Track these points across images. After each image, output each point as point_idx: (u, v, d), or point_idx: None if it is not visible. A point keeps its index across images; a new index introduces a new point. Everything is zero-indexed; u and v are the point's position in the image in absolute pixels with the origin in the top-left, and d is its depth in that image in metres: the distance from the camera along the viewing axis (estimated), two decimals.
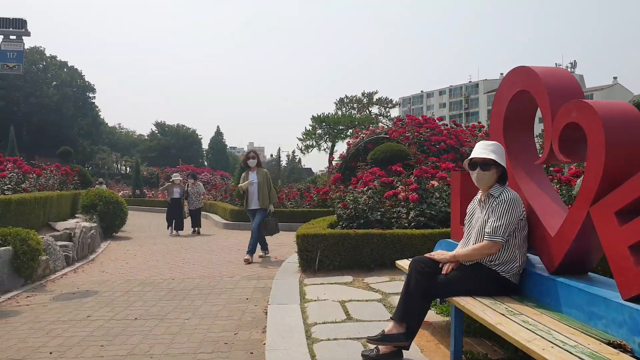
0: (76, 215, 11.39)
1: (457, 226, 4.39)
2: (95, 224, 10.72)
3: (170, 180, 14.50)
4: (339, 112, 33.52)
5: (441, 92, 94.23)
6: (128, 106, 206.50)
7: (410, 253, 6.32)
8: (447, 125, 15.17)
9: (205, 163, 74.23)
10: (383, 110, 34.66)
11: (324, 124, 28.08)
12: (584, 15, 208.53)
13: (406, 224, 6.96)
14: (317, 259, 6.22)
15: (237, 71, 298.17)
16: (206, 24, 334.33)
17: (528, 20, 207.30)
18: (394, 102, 34.97)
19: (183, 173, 26.60)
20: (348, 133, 27.66)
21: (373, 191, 7.27)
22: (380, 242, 6.30)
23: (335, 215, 7.25)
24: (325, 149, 30.22)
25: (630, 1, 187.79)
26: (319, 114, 28.99)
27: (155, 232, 14.43)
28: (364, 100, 35.30)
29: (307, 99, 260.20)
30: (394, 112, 39.23)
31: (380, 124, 14.97)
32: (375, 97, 34.92)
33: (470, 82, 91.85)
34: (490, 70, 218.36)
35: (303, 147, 31.64)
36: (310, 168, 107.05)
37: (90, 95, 64.34)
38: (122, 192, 28.95)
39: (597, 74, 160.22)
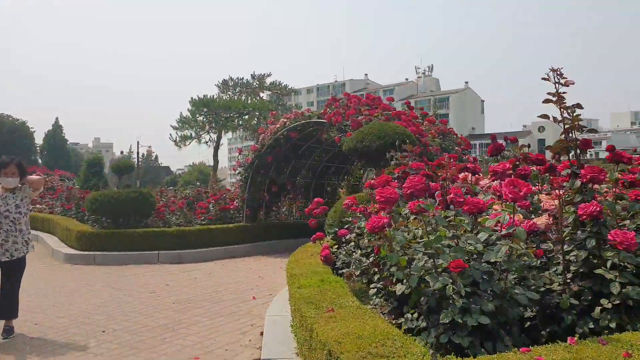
0: None
1: None
2: None
3: None
4: (223, 97, 27.85)
5: (309, 90, 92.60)
6: None
7: None
8: (394, 108, 11.46)
9: (40, 161, 61.95)
10: (275, 97, 29.54)
11: (205, 109, 22.10)
12: (440, 22, 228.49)
13: (573, 313, 2.74)
14: None
15: (81, 53, 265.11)
16: None
17: (390, 25, 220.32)
18: (289, 88, 30.17)
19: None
20: (240, 122, 22.44)
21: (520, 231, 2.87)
22: None
23: (396, 300, 2.74)
24: (208, 142, 24.19)
25: (480, 13, 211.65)
26: (201, 97, 22.84)
27: None
28: (254, 84, 29.76)
29: (171, 87, 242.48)
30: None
31: (281, 119, 10.73)
32: (268, 80, 29.87)
33: (336, 81, 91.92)
34: (356, 71, 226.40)
35: (178, 139, 24.84)
36: (169, 166, 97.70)
37: None
38: None
39: (451, 78, 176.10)
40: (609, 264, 2.67)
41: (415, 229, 3.09)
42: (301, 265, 4.41)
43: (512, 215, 2.61)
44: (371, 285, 3.67)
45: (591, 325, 2.75)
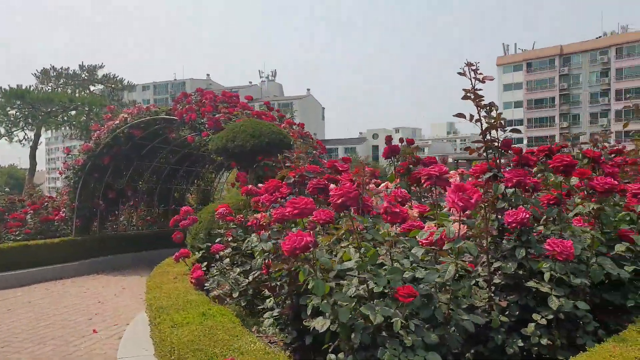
0: None
1: None
2: None
3: None
4: (43, 89, 23.32)
5: (144, 87, 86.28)
6: None
7: None
8: (252, 107, 10.84)
9: None
10: (109, 92, 25.67)
11: (19, 102, 18.07)
12: (283, 31, 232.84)
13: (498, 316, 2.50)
14: None
15: None
16: None
17: (232, 26, 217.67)
18: (125, 82, 26.53)
19: None
20: (65, 118, 18.98)
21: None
22: None
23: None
24: (22, 140, 19.88)
25: (320, 25, 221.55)
26: (13, 87, 18.62)
27: None
28: (83, 75, 25.53)
29: None
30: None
31: (122, 114, 9.41)
32: (100, 73, 25.86)
33: (175, 79, 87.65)
34: (197, 71, 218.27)
35: None
36: None
37: None
38: None
39: (294, 85, 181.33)
40: (546, 275, 2.45)
41: (329, 244, 2.53)
42: (166, 292, 3.52)
43: (458, 228, 2.20)
44: (265, 315, 3.00)
45: (520, 344, 2.52)
